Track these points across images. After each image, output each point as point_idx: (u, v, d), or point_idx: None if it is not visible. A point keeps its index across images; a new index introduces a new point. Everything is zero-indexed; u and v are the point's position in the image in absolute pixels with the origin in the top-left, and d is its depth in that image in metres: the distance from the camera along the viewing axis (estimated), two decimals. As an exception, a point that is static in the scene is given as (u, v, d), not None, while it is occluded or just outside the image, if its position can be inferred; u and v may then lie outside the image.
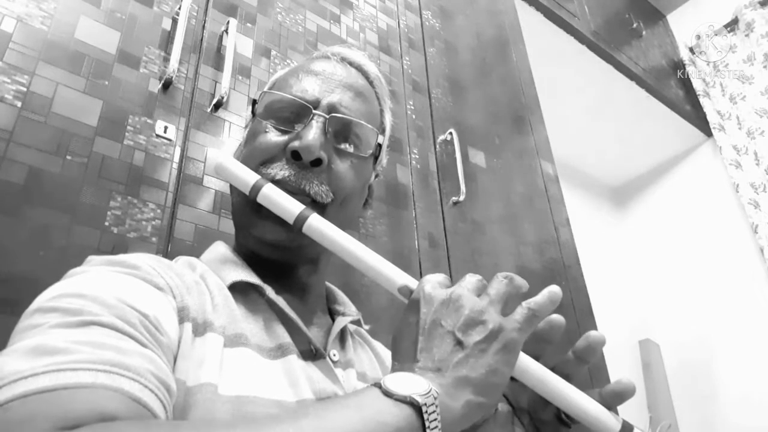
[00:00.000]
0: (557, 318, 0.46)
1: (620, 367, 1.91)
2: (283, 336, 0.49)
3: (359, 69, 0.61)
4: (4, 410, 0.29)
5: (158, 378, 0.35)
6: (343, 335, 0.58)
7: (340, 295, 0.64)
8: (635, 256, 2.58)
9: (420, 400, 0.34)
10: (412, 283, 0.46)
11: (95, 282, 0.39)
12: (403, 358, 0.41)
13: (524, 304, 0.42)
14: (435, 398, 0.35)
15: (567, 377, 0.45)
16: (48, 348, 0.32)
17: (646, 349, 2.29)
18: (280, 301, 0.51)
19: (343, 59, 0.61)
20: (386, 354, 0.64)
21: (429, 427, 0.34)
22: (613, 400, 0.45)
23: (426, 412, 0.34)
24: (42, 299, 0.38)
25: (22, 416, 0.28)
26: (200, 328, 0.44)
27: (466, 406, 0.37)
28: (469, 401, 0.37)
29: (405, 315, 0.43)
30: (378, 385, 0.36)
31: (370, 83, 0.62)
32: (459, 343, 0.39)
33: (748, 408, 2.03)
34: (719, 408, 2.11)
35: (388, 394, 0.35)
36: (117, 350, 0.34)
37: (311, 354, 0.50)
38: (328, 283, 0.63)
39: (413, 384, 0.36)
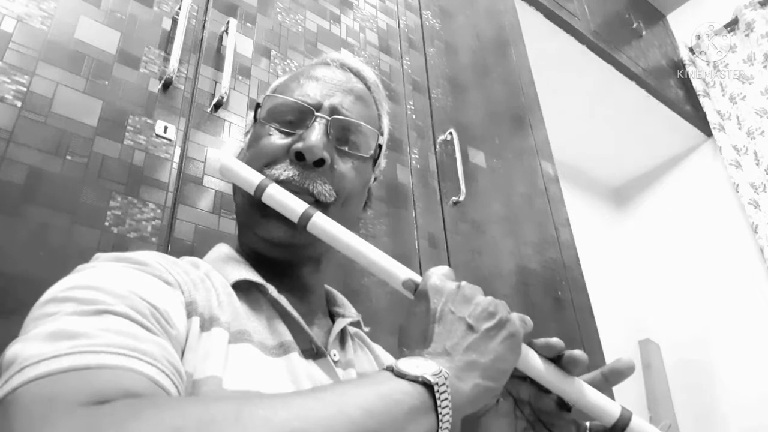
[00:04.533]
0: (580, 353, 0.48)
1: (620, 367, 1.90)
2: (285, 334, 0.50)
3: (358, 75, 0.63)
4: (30, 388, 0.29)
5: (172, 364, 0.36)
6: (343, 336, 0.59)
7: (340, 297, 0.64)
8: (635, 256, 2.58)
9: (432, 379, 0.36)
10: (416, 277, 0.47)
11: (107, 275, 0.40)
12: (413, 345, 0.42)
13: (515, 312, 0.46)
14: (446, 378, 0.37)
15: (567, 371, 0.47)
16: (68, 333, 0.33)
17: (646, 349, 2.29)
18: (283, 300, 0.51)
19: (343, 65, 0.62)
20: (386, 357, 0.65)
21: (441, 405, 0.36)
22: (614, 378, 0.48)
23: (438, 391, 0.36)
24: (55, 290, 0.38)
25: (48, 394, 0.29)
26: (207, 323, 0.44)
27: (475, 388, 0.39)
28: (478, 384, 0.39)
29: (413, 306, 0.45)
30: (390, 368, 0.37)
31: (368, 88, 0.63)
32: (470, 328, 0.41)
33: (748, 408, 2.03)
34: (719, 408, 2.11)
35: (400, 375, 0.36)
36: (133, 337, 0.34)
37: (312, 353, 0.51)
38: (327, 286, 0.64)
39: (424, 366, 0.37)
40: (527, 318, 0.46)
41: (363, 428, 0.31)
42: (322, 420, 0.30)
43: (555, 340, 0.47)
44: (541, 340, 0.47)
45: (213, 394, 0.40)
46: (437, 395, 0.36)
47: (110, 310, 0.36)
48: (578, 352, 0.47)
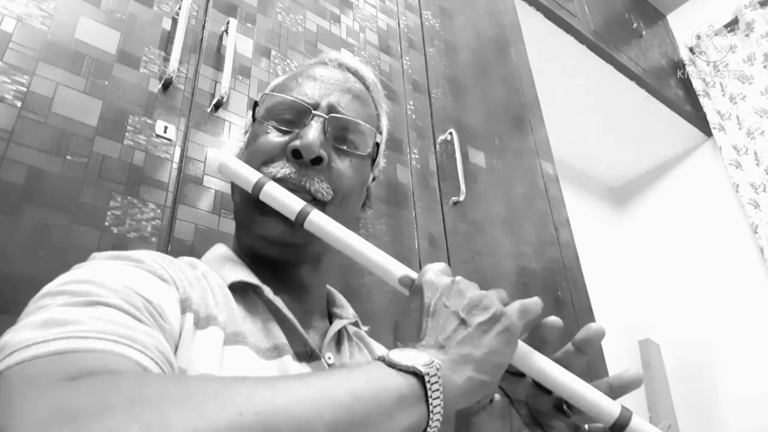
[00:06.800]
0: (554, 319, 0.47)
1: (620, 367, 1.90)
2: (280, 336, 0.49)
3: (356, 74, 0.63)
4: (17, 370, 0.30)
5: (162, 353, 0.36)
6: (340, 338, 0.59)
7: (339, 297, 0.64)
8: (635, 256, 2.58)
9: (423, 369, 0.36)
10: (412, 273, 0.47)
11: (101, 271, 0.40)
12: (407, 339, 0.42)
13: (517, 301, 0.45)
14: (437, 369, 0.37)
15: (566, 368, 0.46)
16: (58, 320, 0.33)
17: (646, 349, 2.29)
18: (278, 302, 0.51)
19: (341, 65, 0.63)
20: None
21: (431, 396, 0.35)
22: (620, 390, 0.47)
23: (428, 381, 0.35)
24: (50, 286, 0.39)
25: (33, 374, 0.30)
26: (202, 321, 0.44)
27: (468, 381, 0.38)
28: (471, 377, 0.39)
29: (408, 301, 0.45)
30: (381, 358, 0.37)
31: (367, 88, 0.63)
32: (463, 323, 0.41)
33: (747, 408, 2.03)
34: (719, 408, 2.11)
35: (391, 364, 0.36)
36: (124, 326, 0.35)
37: (307, 355, 0.51)
38: (329, 287, 0.64)
39: (416, 356, 0.37)
40: (530, 305, 0.45)
41: (349, 412, 0.31)
42: (307, 401, 0.30)
43: (553, 319, 0.46)
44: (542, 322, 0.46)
45: None
46: (428, 385, 0.35)
47: (102, 301, 0.36)
48: (552, 318, 0.47)
